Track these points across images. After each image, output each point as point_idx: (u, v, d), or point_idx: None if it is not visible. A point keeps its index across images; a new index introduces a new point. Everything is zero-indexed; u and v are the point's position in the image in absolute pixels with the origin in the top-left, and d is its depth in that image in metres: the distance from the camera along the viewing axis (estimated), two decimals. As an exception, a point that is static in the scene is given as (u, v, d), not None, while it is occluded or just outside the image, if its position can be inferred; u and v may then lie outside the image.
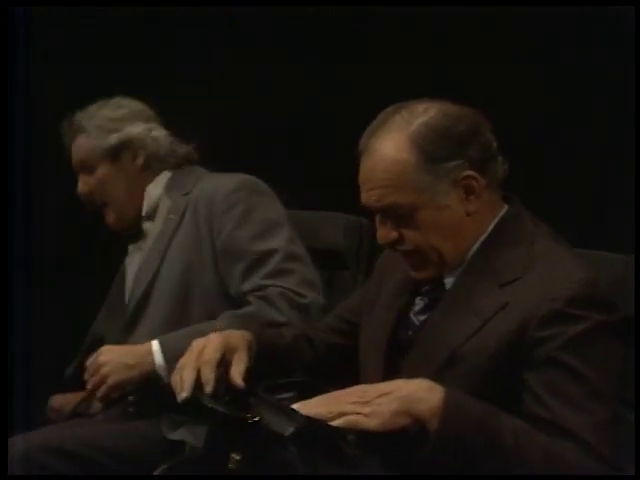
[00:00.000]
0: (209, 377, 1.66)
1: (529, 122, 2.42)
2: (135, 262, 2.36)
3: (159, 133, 2.39)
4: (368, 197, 1.71)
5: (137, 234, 2.38)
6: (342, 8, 2.57)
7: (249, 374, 1.70)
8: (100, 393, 2.13)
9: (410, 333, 1.76)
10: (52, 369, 2.53)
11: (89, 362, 2.16)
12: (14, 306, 2.44)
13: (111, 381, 2.11)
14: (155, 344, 2.11)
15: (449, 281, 1.74)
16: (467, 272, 1.72)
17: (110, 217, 2.36)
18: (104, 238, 2.57)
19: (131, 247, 2.41)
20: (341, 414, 1.52)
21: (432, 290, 1.77)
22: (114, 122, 2.36)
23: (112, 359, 2.12)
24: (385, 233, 1.72)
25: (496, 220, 1.73)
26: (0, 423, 2.04)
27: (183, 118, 2.39)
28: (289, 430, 1.47)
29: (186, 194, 2.31)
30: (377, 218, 1.73)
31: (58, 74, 2.89)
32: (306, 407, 1.54)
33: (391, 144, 1.68)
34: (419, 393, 1.54)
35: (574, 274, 1.62)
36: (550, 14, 2.35)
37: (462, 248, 1.72)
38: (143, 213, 2.36)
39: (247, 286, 2.17)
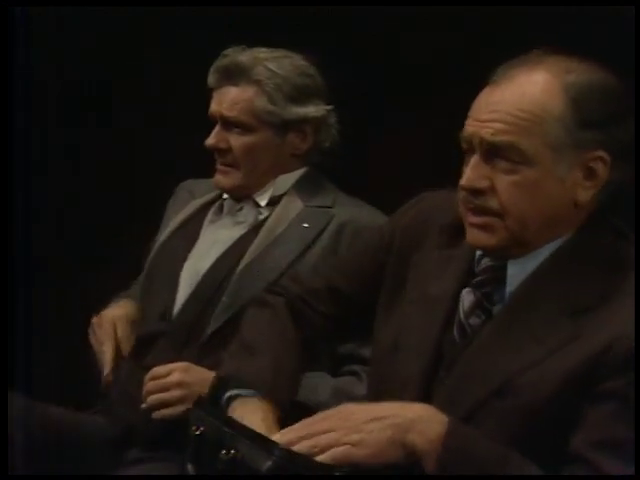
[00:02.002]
0: None
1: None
2: (221, 241, 2.13)
3: (333, 121, 2.18)
4: (482, 128, 1.47)
5: (226, 208, 2.19)
6: (342, 8, 2.57)
7: None
8: (158, 415, 1.92)
9: (458, 340, 1.54)
10: (52, 369, 2.53)
11: (157, 371, 1.93)
12: (14, 306, 2.44)
13: (181, 409, 1.88)
14: None
15: (513, 274, 1.51)
16: (535, 283, 1.50)
17: (229, 179, 2.15)
18: (105, 238, 2.58)
19: (212, 216, 2.19)
20: (328, 446, 1.37)
21: (487, 282, 1.54)
22: (297, 91, 2.12)
23: (193, 383, 1.89)
24: (474, 177, 1.48)
25: (577, 225, 1.52)
26: (0, 423, 2.03)
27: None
28: (266, 465, 1.34)
29: (324, 208, 2.13)
30: (472, 159, 1.49)
31: (58, 74, 2.89)
32: (286, 437, 1.39)
33: (540, 82, 1.46)
34: (416, 424, 1.38)
35: None
36: (550, 14, 2.35)
37: (541, 238, 1.50)
38: (263, 201, 2.16)
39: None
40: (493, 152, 1.47)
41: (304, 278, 1.81)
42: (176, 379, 1.90)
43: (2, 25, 2.46)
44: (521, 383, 1.44)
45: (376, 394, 1.60)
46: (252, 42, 2.23)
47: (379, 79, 2.59)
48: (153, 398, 1.92)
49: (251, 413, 1.56)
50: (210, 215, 2.22)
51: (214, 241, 2.15)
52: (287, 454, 1.35)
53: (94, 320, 2.17)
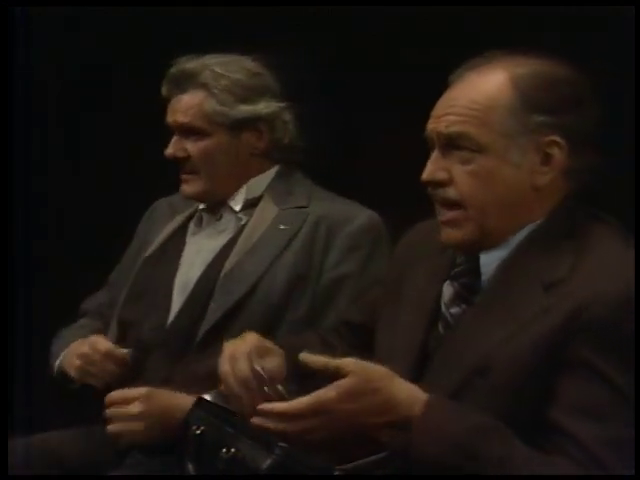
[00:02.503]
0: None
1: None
2: (206, 250, 2.15)
3: (288, 117, 2.17)
4: (438, 123, 1.57)
5: (205, 218, 2.20)
6: (342, 8, 2.57)
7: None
8: (119, 443, 1.89)
9: (441, 331, 1.61)
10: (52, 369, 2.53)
11: (116, 397, 1.90)
12: (14, 306, 2.44)
13: (139, 440, 1.87)
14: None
15: (485, 264, 1.58)
16: (509, 267, 1.56)
17: (193, 187, 2.15)
18: (105, 238, 2.58)
19: (194, 228, 2.20)
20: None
21: (464, 273, 1.61)
22: (247, 91, 2.13)
23: (156, 412, 1.87)
24: (434, 169, 1.57)
25: (548, 211, 1.57)
26: (0, 424, 2.03)
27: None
28: (266, 463, 1.36)
29: (300, 208, 2.14)
30: (433, 154, 1.58)
31: (58, 74, 2.89)
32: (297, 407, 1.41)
33: (491, 80, 1.56)
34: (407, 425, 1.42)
35: (625, 273, 1.46)
36: (550, 14, 2.35)
37: (508, 226, 1.57)
38: (237, 206, 2.17)
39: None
40: (449, 144, 1.56)
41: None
42: (138, 410, 1.87)
43: (2, 25, 2.46)
44: (498, 359, 1.49)
45: None
46: (251, 42, 2.23)
47: (377, 79, 2.59)
48: (115, 427, 1.89)
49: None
50: (191, 228, 2.23)
51: (199, 251, 2.17)
52: (287, 452, 1.37)
53: (88, 352, 2.10)
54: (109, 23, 2.82)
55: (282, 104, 2.17)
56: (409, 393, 1.46)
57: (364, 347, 1.76)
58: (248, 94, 2.13)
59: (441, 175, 1.57)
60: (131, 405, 1.88)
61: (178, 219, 2.27)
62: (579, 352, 1.45)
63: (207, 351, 1.99)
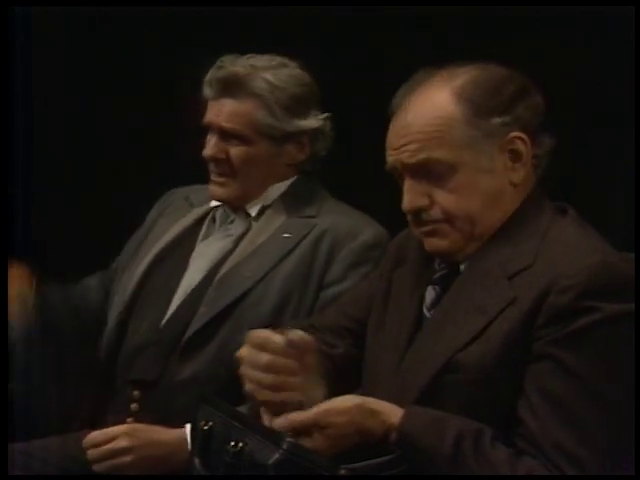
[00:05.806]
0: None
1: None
2: (212, 255, 2.13)
3: (329, 128, 2.16)
4: (399, 154, 1.57)
5: (218, 220, 2.18)
6: (342, 8, 2.57)
7: None
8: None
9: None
10: (51, 369, 2.53)
11: (98, 438, 1.91)
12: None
13: (129, 473, 1.88)
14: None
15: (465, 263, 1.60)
16: (475, 261, 1.58)
17: (225, 190, 2.12)
18: (105, 238, 2.57)
19: (206, 230, 2.19)
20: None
21: (445, 277, 1.62)
22: (299, 104, 2.10)
23: (137, 446, 1.89)
24: (413, 198, 1.58)
25: (516, 204, 1.60)
26: (0, 425, 2.03)
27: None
28: (274, 457, 1.37)
29: (307, 217, 2.12)
30: (405, 182, 1.60)
31: (58, 74, 2.89)
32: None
33: (434, 97, 1.57)
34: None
35: (586, 258, 1.48)
36: (550, 14, 2.35)
37: (492, 226, 1.59)
38: (254, 212, 2.16)
39: None
40: (418, 171, 1.58)
41: (313, 316, 1.93)
42: (125, 445, 1.89)
43: (2, 25, 2.46)
44: (468, 356, 1.50)
45: (364, 389, 1.68)
46: (252, 42, 2.23)
47: (380, 80, 2.60)
48: (103, 466, 1.90)
49: None
50: (204, 229, 2.21)
51: (207, 254, 2.15)
52: (295, 447, 1.38)
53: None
54: (109, 23, 2.82)
55: (326, 115, 2.16)
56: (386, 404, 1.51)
57: (363, 347, 1.76)
58: (300, 108, 2.11)
59: (422, 201, 1.58)
60: (116, 441, 1.90)
61: (190, 218, 2.24)
62: (542, 343, 1.46)
63: (192, 354, 2.02)
